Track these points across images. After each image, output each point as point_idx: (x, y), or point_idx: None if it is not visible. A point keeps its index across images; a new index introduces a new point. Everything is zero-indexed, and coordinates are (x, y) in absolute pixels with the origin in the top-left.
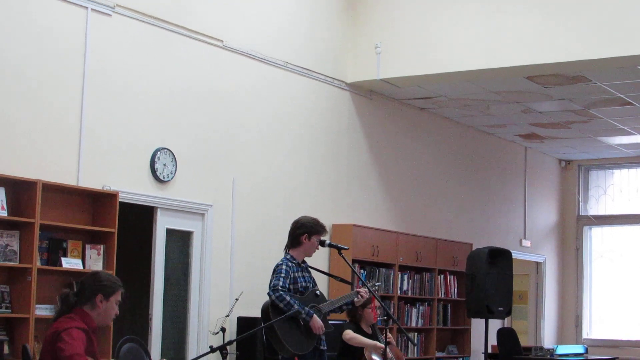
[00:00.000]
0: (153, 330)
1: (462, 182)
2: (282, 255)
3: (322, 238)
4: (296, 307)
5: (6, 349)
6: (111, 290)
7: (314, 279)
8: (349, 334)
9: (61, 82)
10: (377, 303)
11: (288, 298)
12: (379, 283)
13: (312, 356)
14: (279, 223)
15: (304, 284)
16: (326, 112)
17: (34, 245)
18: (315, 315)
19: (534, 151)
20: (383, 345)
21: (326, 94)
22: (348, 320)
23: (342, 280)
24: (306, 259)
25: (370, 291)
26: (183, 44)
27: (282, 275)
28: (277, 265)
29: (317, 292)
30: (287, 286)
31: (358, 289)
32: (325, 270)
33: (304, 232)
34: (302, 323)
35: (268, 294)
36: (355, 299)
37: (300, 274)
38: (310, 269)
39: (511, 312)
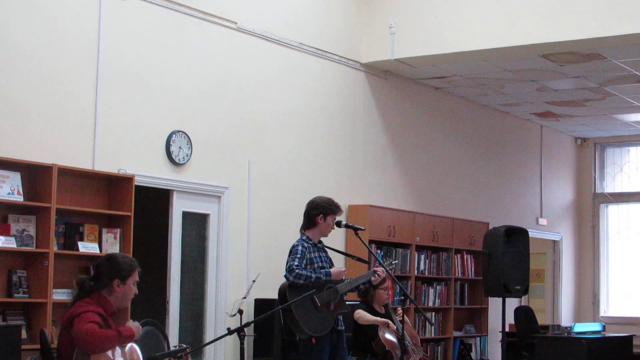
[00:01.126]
0: (170, 313)
1: (478, 161)
2: (298, 236)
3: (338, 218)
4: (314, 275)
5: (24, 334)
6: (128, 273)
7: (330, 259)
8: (358, 312)
9: (75, 67)
10: (390, 283)
11: (304, 272)
12: (396, 261)
13: (330, 336)
14: (295, 204)
15: (320, 264)
16: (341, 92)
17: (50, 230)
18: (333, 269)
19: (549, 129)
20: (391, 323)
21: (341, 75)
22: (361, 301)
23: (358, 259)
24: (322, 239)
25: (386, 270)
26: (197, 26)
27: (298, 256)
28: (293, 247)
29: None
30: (303, 266)
31: (375, 268)
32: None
33: (319, 212)
34: (322, 300)
35: (285, 276)
36: (373, 278)
37: (316, 254)
38: (326, 249)
39: (528, 290)
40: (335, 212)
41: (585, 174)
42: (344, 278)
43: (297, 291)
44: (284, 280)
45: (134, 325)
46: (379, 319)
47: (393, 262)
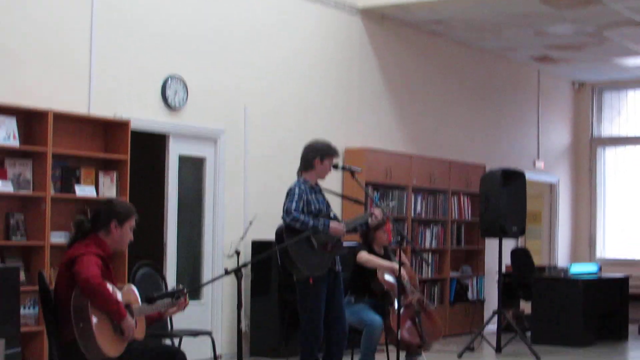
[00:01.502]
0: (168, 255)
1: (475, 105)
2: (295, 178)
3: (335, 161)
4: (312, 222)
5: (22, 276)
6: (125, 216)
7: (328, 202)
8: (363, 256)
9: (70, 11)
10: (389, 225)
11: (302, 217)
12: (394, 202)
13: (327, 277)
14: (291, 147)
15: (317, 206)
16: (337, 37)
17: (47, 174)
18: (332, 222)
19: (547, 73)
20: (394, 266)
21: (337, 19)
22: (361, 242)
23: (355, 200)
24: (320, 182)
25: (383, 212)
26: None
27: (296, 198)
28: (290, 189)
29: (332, 215)
30: (300, 209)
31: (372, 210)
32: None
33: (317, 155)
34: (319, 241)
35: (282, 217)
36: (370, 220)
37: (313, 196)
38: (324, 192)
39: (525, 232)
40: (332, 154)
41: (583, 118)
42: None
43: (294, 233)
44: (280, 222)
45: (131, 321)
46: (393, 264)
47: (390, 204)
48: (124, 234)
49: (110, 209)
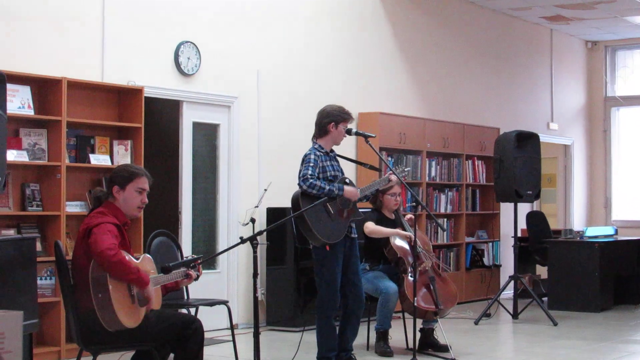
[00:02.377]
0: (183, 223)
1: (488, 67)
2: (310, 145)
3: (349, 126)
4: (327, 187)
5: (39, 246)
6: (127, 179)
7: (342, 169)
8: (368, 227)
9: None
10: (398, 190)
11: (318, 183)
12: (409, 168)
13: (343, 244)
14: (305, 113)
15: (333, 172)
16: (350, 0)
17: (61, 143)
18: (346, 186)
19: (559, 33)
20: (405, 232)
21: None
22: (371, 209)
23: (371, 167)
24: (334, 148)
25: (398, 178)
26: None
27: (311, 164)
28: (306, 155)
29: (347, 180)
30: (316, 175)
31: (390, 176)
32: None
33: (331, 120)
34: (335, 207)
35: (298, 184)
36: (390, 181)
37: (329, 162)
38: (338, 158)
39: (540, 195)
40: (346, 119)
41: (596, 78)
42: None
43: (310, 199)
44: (295, 188)
45: (151, 287)
46: (390, 230)
47: (405, 170)
48: (128, 197)
49: (113, 173)
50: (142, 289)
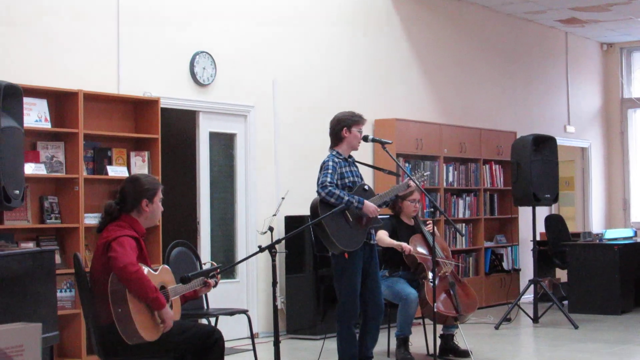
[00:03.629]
0: (202, 233)
1: (504, 71)
2: (326, 152)
3: (365, 133)
4: (347, 197)
5: (58, 259)
6: (153, 191)
7: (361, 175)
8: (378, 236)
9: None
10: (417, 196)
11: (337, 192)
12: (428, 173)
13: (362, 251)
14: (321, 121)
15: (352, 178)
16: (363, 6)
17: (79, 156)
18: (366, 201)
19: (574, 36)
20: (401, 244)
21: None
22: (390, 215)
23: (390, 172)
24: (353, 154)
25: (416, 184)
26: None
27: (330, 171)
28: (324, 162)
29: (366, 187)
30: (335, 182)
31: (409, 182)
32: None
33: (343, 125)
34: (354, 215)
35: (317, 191)
36: (409, 187)
37: (347, 168)
38: (357, 164)
39: (558, 198)
40: (358, 122)
41: (612, 80)
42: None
43: (328, 206)
44: (313, 196)
45: (168, 314)
46: (392, 241)
47: (424, 174)
48: (156, 209)
49: (138, 187)
50: (158, 310)
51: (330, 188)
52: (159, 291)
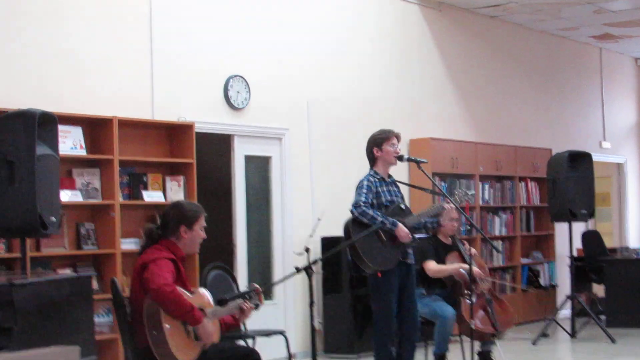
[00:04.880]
0: (238, 256)
1: (538, 88)
2: (361, 172)
3: (401, 154)
4: (380, 218)
5: (95, 284)
6: (193, 219)
7: (402, 195)
8: (431, 268)
9: (129, 16)
10: (456, 215)
11: (371, 212)
12: (472, 192)
13: (399, 271)
14: (355, 142)
15: (388, 197)
16: (396, 26)
17: (114, 182)
18: (400, 224)
19: (608, 52)
20: (465, 265)
21: (395, 9)
22: (430, 234)
23: (432, 192)
24: (396, 176)
25: (453, 203)
26: None
27: (364, 190)
28: (360, 182)
29: (403, 206)
30: (370, 201)
31: (447, 203)
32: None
33: (373, 145)
34: (388, 234)
35: (350, 210)
36: (442, 213)
37: (384, 188)
38: (398, 184)
39: (594, 214)
40: (388, 137)
41: None
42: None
43: (361, 226)
44: (348, 216)
45: (208, 329)
46: (453, 267)
47: (469, 193)
48: (195, 236)
49: (179, 213)
50: (194, 326)
51: (363, 208)
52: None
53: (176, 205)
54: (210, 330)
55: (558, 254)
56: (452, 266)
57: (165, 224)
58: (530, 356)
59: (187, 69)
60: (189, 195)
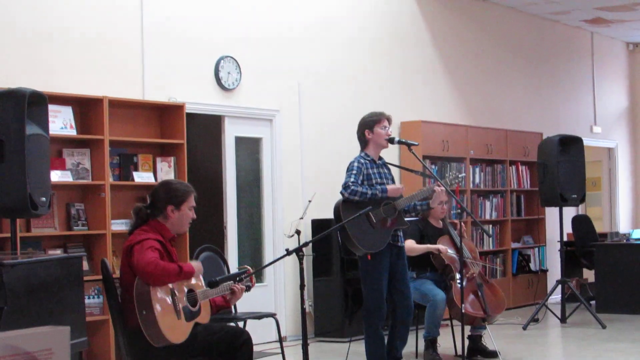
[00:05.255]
0: (229, 237)
1: (530, 72)
2: (352, 154)
3: (392, 136)
4: (370, 191)
5: (85, 265)
6: (181, 198)
7: (393, 177)
8: (407, 246)
9: None
10: (445, 198)
11: (360, 188)
12: (463, 175)
13: (390, 253)
14: (346, 123)
15: (379, 180)
16: (388, 9)
17: (105, 162)
18: (389, 186)
19: (600, 36)
20: (435, 246)
21: None
22: (420, 217)
23: (423, 174)
24: (386, 158)
25: (445, 187)
26: None
27: (354, 172)
28: (350, 164)
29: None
30: (359, 182)
31: (437, 186)
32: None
33: (364, 127)
34: (379, 215)
35: (341, 192)
36: (432, 197)
37: (375, 170)
38: (389, 166)
39: (585, 199)
40: (379, 119)
41: (639, 80)
42: (401, 196)
43: (352, 208)
44: (339, 198)
45: (195, 264)
46: (424, 246)
47: (459, 176)
48: (183, 217)
49: (166, 192)
50: (191, 276)
51: (352, 187)
52: (189, 292)
53: (165, 184)
54: (201, 267)
55: (548, 238)
56: (425, 246)
57: (153, 203)
58: (520, 341)
59: (178, 50)
60: (180, 175)
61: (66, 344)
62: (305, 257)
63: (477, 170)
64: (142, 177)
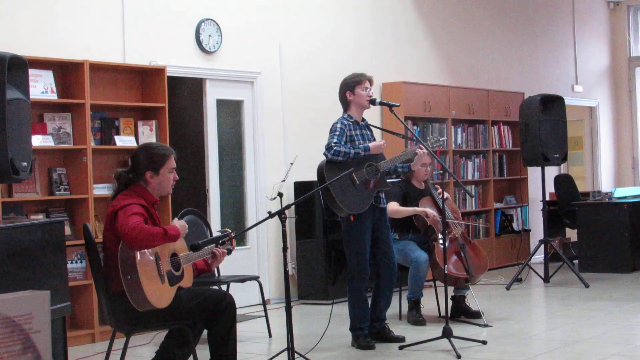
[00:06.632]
0: (211, 201)
1: (511, 32)
2: (334, 116)
3: (373, 97)
4: (352, 151)
5: (67, 230)
6: (159, 163)
7: (375, 139)
8: (390, 208)
9: None
10: (428, 160)
11: (343, 148)
12: (444, 138)
13: (372, 214)
14: (328, 85)
15: (362, 141)
16: None
17: (86, 126)
18: (371, 143)
19: None
20: (422, 209)
21: None
22: (401, 178)
23: (404, 136)
24: (368, 120)
25: (427, 148)
26: None
27: (337, 133)
28: (333, 125)
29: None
30: (342, 143)
31: (420, 148)
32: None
33: (346, 89)
34: (362, 176)
35: (324, 153)
36: (413, 163)
37: (358, 132)
38: (371, 127)
39: (567, 158)
40: (360, 81)
41: (619, 38)
42: (383, 155)
43: (335, 169)
44: (322, 160)
45: (179, 224)
46: (416, 209)
47: (440, 140)
48: (163, 180)
49: (145, 156)
50: (177, 238)
51: (335, 148)
52: (172, 256)
53: (143, 148)
54: (185, 225)
55: (531, 198)
56: (412, 208)
57: (134, 167)
58: (504, 301)
59: (158, 13)
60: (161, 139)
61: (46, 308)
62: (287, 220)
63: (459, 130)
64: (123, 141)
